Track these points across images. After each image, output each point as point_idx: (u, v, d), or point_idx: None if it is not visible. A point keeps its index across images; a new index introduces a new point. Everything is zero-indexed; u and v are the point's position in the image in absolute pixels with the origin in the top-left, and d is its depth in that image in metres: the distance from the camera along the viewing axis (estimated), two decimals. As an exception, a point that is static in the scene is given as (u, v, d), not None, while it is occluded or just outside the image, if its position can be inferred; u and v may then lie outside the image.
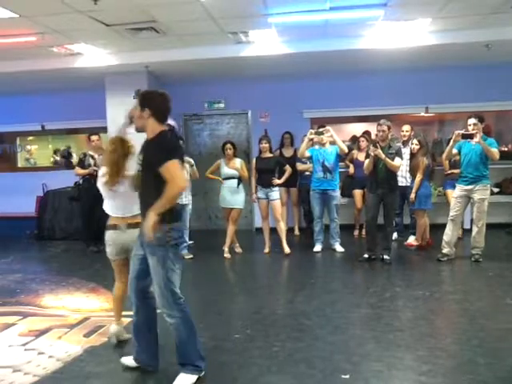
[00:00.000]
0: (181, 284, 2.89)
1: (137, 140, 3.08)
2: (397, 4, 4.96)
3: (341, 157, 6.43)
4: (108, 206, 3.39)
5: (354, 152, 7.15)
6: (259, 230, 7.09)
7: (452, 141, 5.43)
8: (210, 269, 5.83)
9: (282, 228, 6.29)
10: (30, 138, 9.41)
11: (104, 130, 7.36)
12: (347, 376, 2.89)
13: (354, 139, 7.76)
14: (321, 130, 6.16)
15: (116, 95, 7.17)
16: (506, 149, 7.88)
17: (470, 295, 4.38)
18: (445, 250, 5.58)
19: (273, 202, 6.21)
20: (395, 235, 6.71)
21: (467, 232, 6.13)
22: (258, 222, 7.61)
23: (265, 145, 6.27)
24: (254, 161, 6.43)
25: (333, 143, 6.17)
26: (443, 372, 2.93)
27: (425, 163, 5.94)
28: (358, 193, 7.04)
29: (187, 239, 6.34)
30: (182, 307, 2.81)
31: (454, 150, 5.53)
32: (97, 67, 6.82)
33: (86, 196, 6.65)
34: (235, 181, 6.16)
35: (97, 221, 6.11)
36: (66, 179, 7.64)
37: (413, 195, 6.01)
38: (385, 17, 5.34)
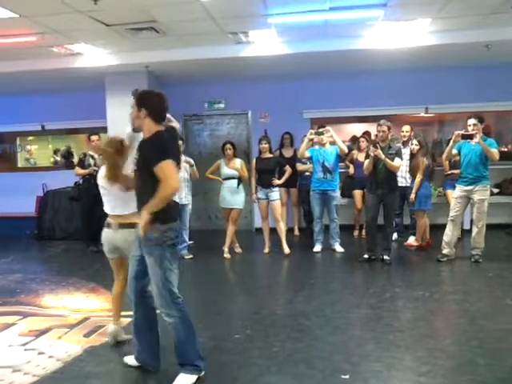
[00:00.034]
0: (181, 284, 2.90)
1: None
2: (396, 4, 4.96)
3: (341, 157, 6.43)
4: (104, 204, 3.42)
5: (354, 152, 7.15)
6: (259, 231, 7.10)
7: (452, 141, 5.43)
8: (210, 269, 5.83)
9: (282, 228, 6.29)
10: (30, 137, 9.41)
11: (104, 130, 7.36)
12: (347, 376, 2.89)
13: (354, 139, 7.76)
14: (321, 130, 6.16)
15: (116, 95, 7.17)
16: (505, 149, 7.88)
17: (470, 296, 4.38)
18: (445, 251, 5.58)
19: (273, 202, 6.21)
20: (395, 236, 6.71)
21: (467, 232, 6.13)
22: (257, 223, 7.61)
23: (265, 145, 6.27)
24: (253, 161, 6.44)
25: (333, 143, 6.17)
26: (443, 373, 2.93)
27: (425, 164, 5.94)
28: (357, 193, 7.04)
29: (187, 239, 6.35)
30: (181, 307, 2.81)
31: (454, 151, 5.53)
32: (97, 67, 6.82)
33: (86, 196, 6.65)
34: (235, 181, 6.16)
35: (97, 221, 6.05)
36: (66, 179, 7.64)
37: (413, 195, 6.01)
38: (384, 17, 5.34)
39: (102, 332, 3.75)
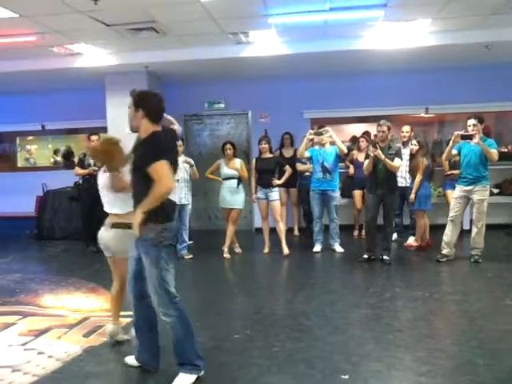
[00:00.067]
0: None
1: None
2: (397, 5, 4.96)
3: (341, 157, 6.43)
4: (104, 203, 3.46)
5: (354, 152, 7.14)
6: (259, 231, 7.10)
7: (451, 141, 5.43)
8: (210, 269, 5.83)
9: (282, 228, 6.29)
10: (30, 137, 9.40)
11: (104, 130, 7.36)
12: (347, 376, 2.89)
13: (354, 140, 7.76)
14: (320, 130, 6.16)
15: (116, 95, 7.17)
16: (505, 150, 7.89)
17: (470, 296, 4.38)
18: (444, 251, 5.58)
19: (272, 202, 6.21)
20: (395, 236, 6.71)
21: (467, 233, 6.13)
22: (257, 223, 7.62)
23: (264, 145, 6.27)
24: (253, 161, 6.44)
25: (333, 144, 6.18)
26: (442, 373, 2.93)
27: (425, 164, 5.94)
28: (357, 193, 7.04)
29: (187, 239, 6.35)
30: (178, 306, 2.82)
31: (454, 151, 5.53)
32: (97, 67, 6.82)
33: (86, 196, 6.65)
34: (235, 181, 6.16)
35: (96, 221, 6.05)
36: (66, 179, 7.64)
37: (412, 196, 6.01)
38: (385, 17, 5.35)
39: (101, 332, 3.74)
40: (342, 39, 6.11)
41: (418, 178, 5.97)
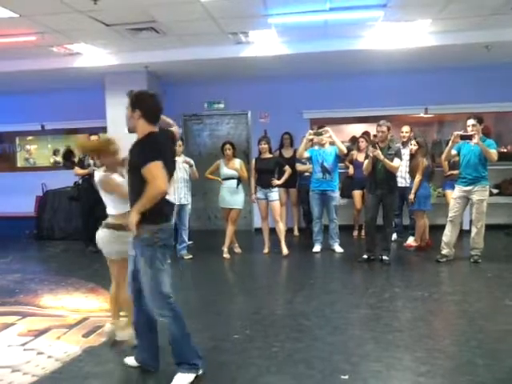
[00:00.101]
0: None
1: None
2: (397, 5, 4.96)
3: (340, 158, 6.43)
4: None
5: (354, 153, 7.14)
6: (258, 231, 7.10)
7: (451, 142, 5.44)
8: (210, 269, 5.82)
9: (281, 229, 6.29)
10: (30, 137, 9.39)
11: (104, 130, 7.36)
12: (346, 376, 2.89)
13: (354, 140, 7.76)
14: (320, 130, 6.16)
15: (116, 95, 7.14)
16: (505, 150, 7.89)
17: (469, 296, 4.39)
18: (444, 251, 5.58)
19: (272, 202, 6.21)
20: (394, 236, 6.71)
21: (466, 233, 6.13)
22: (257, 223, 7.62)
23: (264, 145, 6.27)
24: (253, 161, 6.43)
25: (332, 144, 6.18)
26: (442, 373, 2.93)
27: (424, 164, 5.94)
28: (357, 193, 7.04)
29: (186, 239, 6.35)
30: (172, 306, 2.82)
31: (453, 151, 5.53)
32: (96, 67, 6.82)
33: (86, 196, 6.65)
34: (234, 181, 6.16)
35: (96, 221, 6.10)
36: (66, 179, 7.64)
37: (412, 196, 6.02)
38: (385, 18, 5.35)
39: (100, 332, 3.74)
40: (342, 39, 6.11)
41: (418, 178, 5.97)
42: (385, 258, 5.62)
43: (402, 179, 6.35)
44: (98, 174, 3.40)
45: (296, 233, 7.67)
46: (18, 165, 9.32)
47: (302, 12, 5.07)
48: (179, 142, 5.79)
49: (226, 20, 5.34)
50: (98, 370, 3.13)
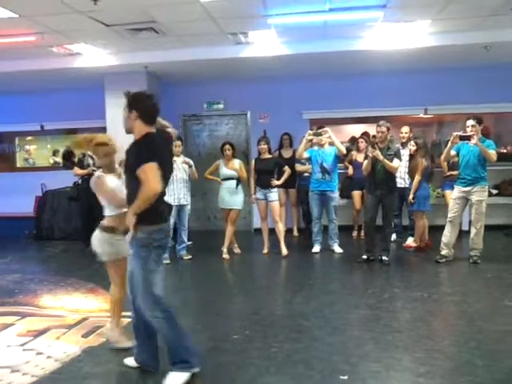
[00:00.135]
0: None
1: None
2: (396, 6, 4.97)
3: (340, 158, 6.43)
4: None
5: (353, 153, 7.14)
6: (258, 231, 7.10)
7: (450, 142, 5.44)
8: (209, 269, 5.82)
9: (281, 229, 6.29)
10: (29, 137, 9.39)
11: (103, 130, 7.35)
12: (345, 377, 2.89)
13: (353, 140, 7.77)
14: (319, 131, 6.16)
15: (115, 95, 7.08)
16: (504, 150, 7.89)
17: (469, 297, 4.39)
18: (443, 252, 5.59)
19: (271, 203, 6.21)
20: (394, 236, 6.71)
21: (465, 234, 6.14)
22: (256, 223, 7.62)
23: (263, 146, 6.27)
24: (252, 162, 6.43)
25: (332, 144, 6.18)
26: (441, 373, 2.93)
27: (424, 164, 5.94)
28: (356, 194, 7.04)
29: (186, 240, 6.35)
30: (165, 307, 2.82)
31: (453, 152, 5.53)
32: (96, 67, 6.82)
33: (85, 196, 6.62)
34: (234, 181, 6.16)
35: (96, 221, 6.11)
36: (65, 179, 7.63)
37: (411, 196, 6.02)
38: (384, 18, 5.35)
39: (100, 332, 3.74)
40: (342, 40, 6.12)
41: (417, 178, 5.97)
42: (384, 258, 5.62)
43: (402, 180, 6.36)
44: (94, 175, 3.41)
45: (295, 233, 7.67)
46: (18, 165, 9.32)
47: (302, 12, 5.07)
48: (178, 143, 5.80)
49: (225, 20, 5.34)
50: (98, 370, 3.13)
